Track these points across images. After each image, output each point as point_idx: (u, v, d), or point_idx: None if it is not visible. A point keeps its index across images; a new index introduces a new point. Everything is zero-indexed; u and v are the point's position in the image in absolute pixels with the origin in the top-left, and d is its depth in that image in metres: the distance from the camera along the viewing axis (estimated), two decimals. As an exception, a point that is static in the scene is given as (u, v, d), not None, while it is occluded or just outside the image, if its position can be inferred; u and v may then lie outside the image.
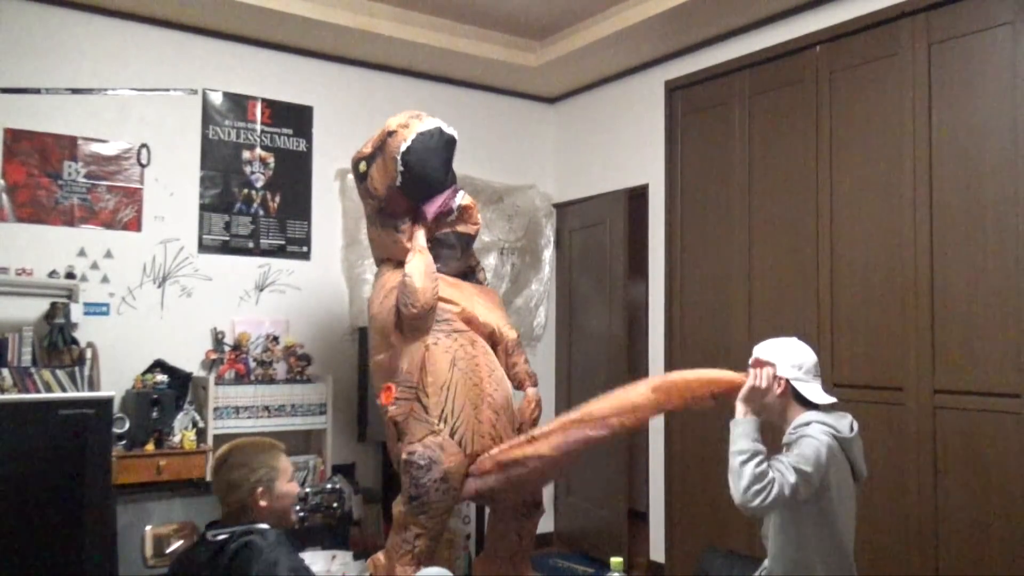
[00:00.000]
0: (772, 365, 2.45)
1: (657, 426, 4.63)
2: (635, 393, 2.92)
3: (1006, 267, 3.18)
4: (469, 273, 3.76)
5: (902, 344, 3.49)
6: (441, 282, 3.43)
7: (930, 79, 3.45)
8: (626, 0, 4.32)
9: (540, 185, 5.50)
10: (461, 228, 3.58)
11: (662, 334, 4.63)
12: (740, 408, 2.41)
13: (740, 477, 2.28)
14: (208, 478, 3.91)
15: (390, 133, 3.40)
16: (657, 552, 4.61)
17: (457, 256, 3.63)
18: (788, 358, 2.49)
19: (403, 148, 3.31)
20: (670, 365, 4.57)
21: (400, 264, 3.43)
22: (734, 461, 2.31)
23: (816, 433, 2.35)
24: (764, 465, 2.26)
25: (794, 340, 2.56)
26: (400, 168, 3.32)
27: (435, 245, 3.52)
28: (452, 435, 3.27)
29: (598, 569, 4.75)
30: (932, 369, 3.38)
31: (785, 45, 4.03)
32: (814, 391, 2.46)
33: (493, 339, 3.58)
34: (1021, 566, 3.06)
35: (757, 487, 2.24)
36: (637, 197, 4.90)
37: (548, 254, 5.53)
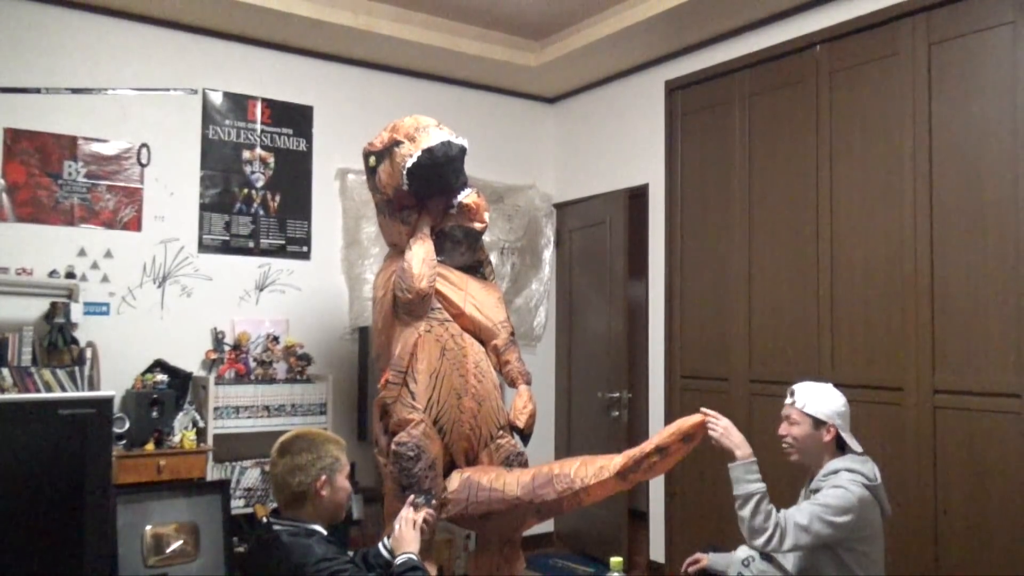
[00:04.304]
0: (716, 419, 2.58)
1: (657, 426, 4.63)
2: (606, 459, 3.02)
3: (1006, 267, 3.18)
4: (476, 267, 3.78)
5: (902, 344, 3.49)
6: (439, 273, 3.48)
7: (930, 79, 3.45)
8: (626, 0, 4.32)
9: (540, 185, 5.50)
10: (467, 223, 3.60)
11: (662, 334, 4.63)
12: (737, 449, 2.48)
13: (743, 522, 2.38)
14: (209, 477, 3.92)
15: (397, 143, 3.39)
16: (657, 552, 4.61)
17: (462, 251, 3.67)
18: (833, 406, 2.61)
19: (408, 164, 3.32)
20: (670, 365, 4.58)
21: (404, 250, 3.50)
22: (736, 507, 2.40)
23: (847, 484, 2.43)
24: (766, 506, 2.36)
25: (831, 386, 2.70)
26: (405, 182, 3.35)
27: (441, 237, 3.57)
28: (435, 422, 3.38)
29: (598, 569, 4.75)
30: (932, 369, 3.38)
31: (785, 45, 4.03)
32: (853, 440, 2.60)
33: (486, 335, 3.61)
34: (1021, 566, 3.07)
35: (765, 532, 2.34)
36: (637, 197, 4.90)
37: (548, 254, 5.53)
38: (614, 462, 2.94)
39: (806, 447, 2.59)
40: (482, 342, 3.61)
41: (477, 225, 3.62)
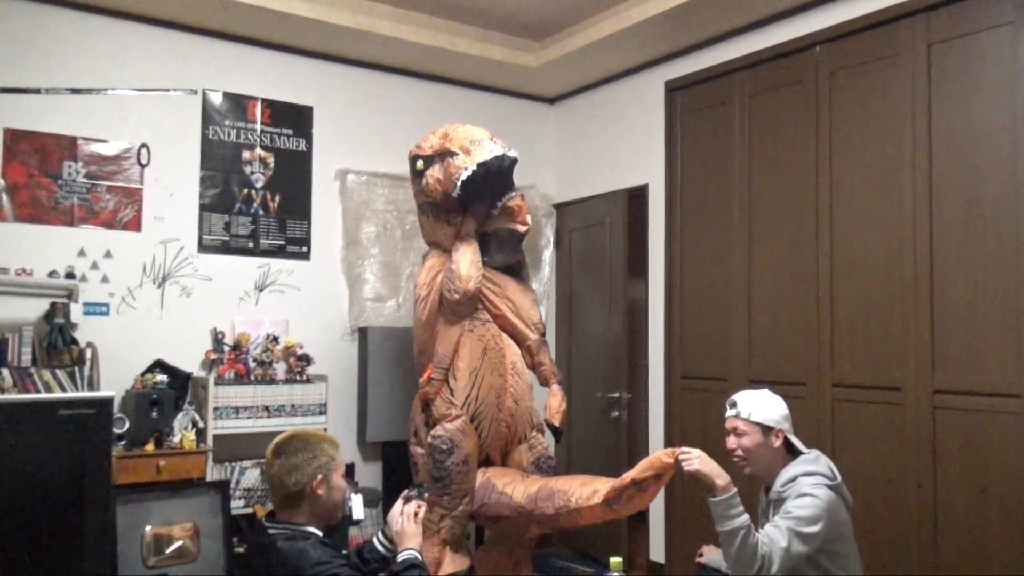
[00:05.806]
0: (688, 454, 2.51)
1: (657, 426, 4.63)
2: (602, 483, 2.99)
3: (1006, 267, 3.18)
4: (516, 268, 3.84)
5: (902, 344, 3.49)
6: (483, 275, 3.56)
7: (930, 79, 3.45)
8: (626, 0, 4.32)
9: (540, 185, 5.50)
10: (510, 225, 3.66)
11: (662, 334, 4.63)
12: (717, 483, 2.39)
13: (729, 557, 2.35)
14: (208, 478, 3.92)
15: (451, 153, 3.46)
16: (657, 552, 4.62)
17: (506, 252, 3.73)
18: (778, 410, 2.62)
19: (463, 177, 3.40)
20: (670, 365, 4.58)
21: (447, 250, 3.60)
22: (721, 542, 2.37)
23: (811, 490, 2.42)
24: (752, 539, 2.32)
25: (768, 391, 2.70)
26: (459, 191, 3.43)
27: (485, 239, 3.65)
28: (472, 420, 3.45)
29: (598, 569, 4.75)
30: (932, 369, 3.38)
31: (785, 45, 4.03)
32: (798, 441, 2.61)
33: (520, 335, 3.69)
34: (1021, 566, 3.06)
35: (754, 565, 2.30)
36: (637, 197, 4.90)
37: (548, 254, 5.53)
38: (605, 489, 2.93)
39: (758, 457, 2.59)
40: (517, 342, 3.68)
41: (520, 227, 3.69)
